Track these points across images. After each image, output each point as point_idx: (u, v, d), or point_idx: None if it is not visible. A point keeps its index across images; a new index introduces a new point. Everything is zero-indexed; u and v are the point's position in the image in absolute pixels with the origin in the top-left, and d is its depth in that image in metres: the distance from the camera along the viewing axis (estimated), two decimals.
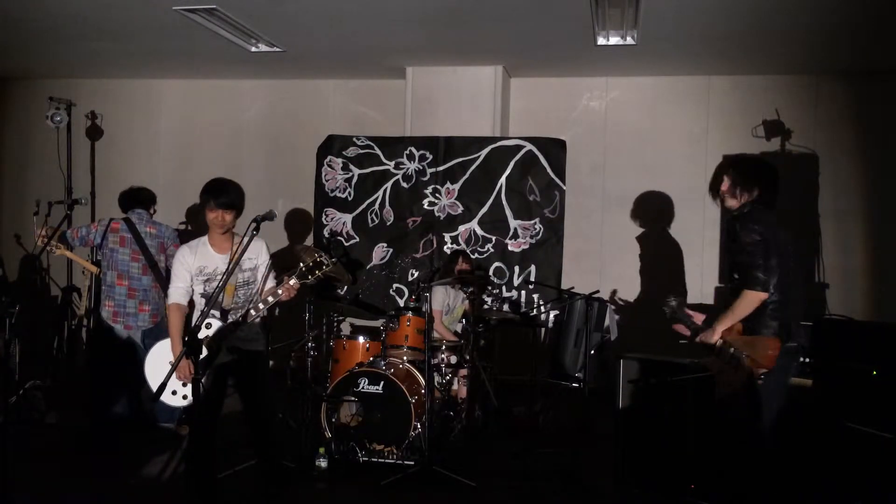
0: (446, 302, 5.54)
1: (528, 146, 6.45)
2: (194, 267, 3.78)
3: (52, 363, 6.43)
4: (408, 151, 6.64)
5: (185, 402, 3.76)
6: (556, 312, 6.13)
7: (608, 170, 7.11)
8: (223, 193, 3.76)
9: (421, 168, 6.60)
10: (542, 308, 6.30)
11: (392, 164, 6.66)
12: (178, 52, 6.66)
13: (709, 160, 6.74)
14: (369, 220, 6.68)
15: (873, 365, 3.75)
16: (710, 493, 3.85)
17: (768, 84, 6.77)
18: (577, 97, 7.18)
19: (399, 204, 6.63)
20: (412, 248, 6.61)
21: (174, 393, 3.74)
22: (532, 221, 6.42)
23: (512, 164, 6.45)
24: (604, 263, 7.10)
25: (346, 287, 6.20)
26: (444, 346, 5.12)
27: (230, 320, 3.73)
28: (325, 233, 6.72)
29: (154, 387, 3.74)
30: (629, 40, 5.75)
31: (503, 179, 6.47)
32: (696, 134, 6.94)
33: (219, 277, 3.70)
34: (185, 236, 5.83)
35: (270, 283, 3.83)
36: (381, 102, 7.48)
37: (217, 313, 3.71)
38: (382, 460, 4.59)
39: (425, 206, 6.59)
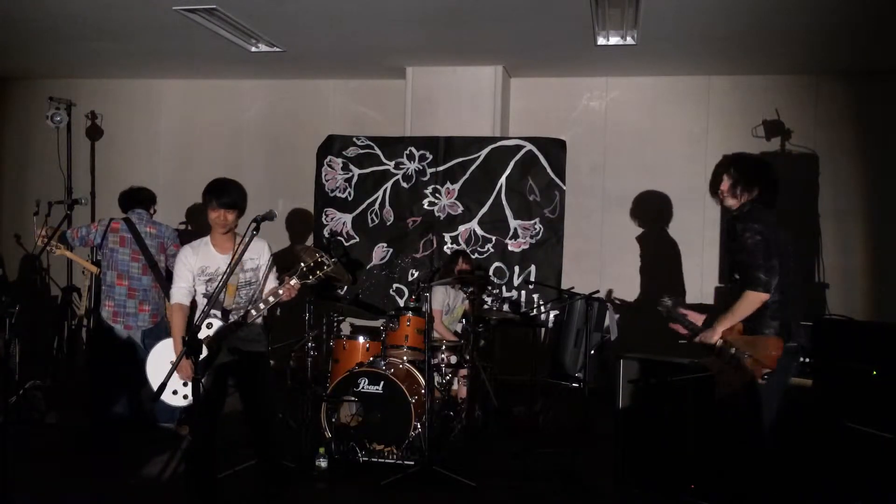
0: (446, 302, 5.54)
1: (528, 146, 6.45)
2: (196, 267, 3.79)
3: (52, 363, 6.43)
4: (408, 151, 6.64)
5: (185, 402, 3.76)
6: (556, 312, 6.13)
7: (608, 170, 7.11)
8: (225, 193, 3.77)
9: (421, 168, 6.60)
10: (542, 308, 6.30)
11: (392, 164, 6.66)
12: (178, 52, 6.66)
13: (709, 160, 6.72)
14: (369, 220, 6.68)
15: (873, 365, 3.74)
16: (710, 493, 3.85)
17: (768, 84, 6.77)
18: (577, 97, 7.18)
19: (399, 204, 6.63)
20: (412, 248, 6.61)
21: (175, 393, 3.74)
22: (532, 221, 6.42)
23: (512, 164, 6.45)
24: (604, 263, 7.10)
25: (346, 287, 6.20)
26: (444, 346, 5.12)
27: (231, 320, 3.73)
28: (325, 233, 6.72)
29: (156, 386, 3.75)
30: (629, 40, 5.75)
31: (503, 179, 6.47)
32: (696, 134, 6.94)
33: (221, 278, 3.70)
34: (185, 236, 5.83)
35: (272, 283, 3.84)
36: (381, 102, 7.48)
37: (218, 313, 3.71)
38: (382, 460, 4.59)
39: (425, 206, 6.59)
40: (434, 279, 5.71)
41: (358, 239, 6.68)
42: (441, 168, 6.57)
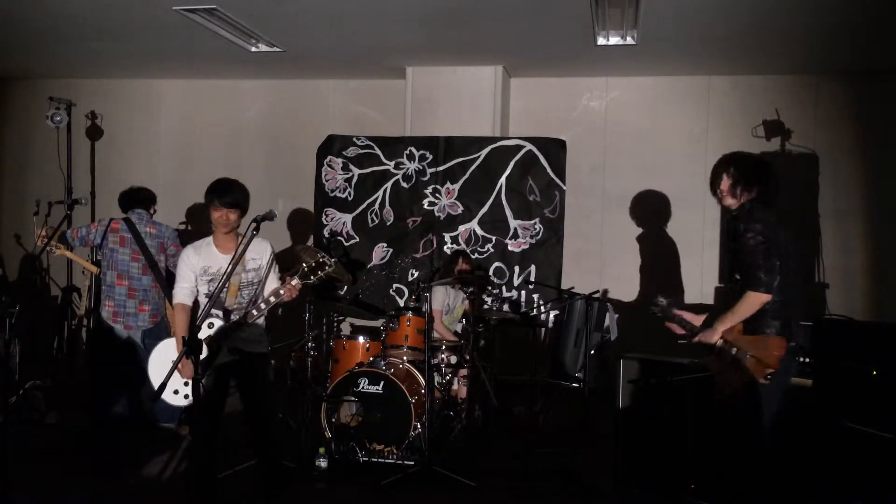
0: (446, 302, 5.54)
1: (528, 146, 6.44)
2: (198, 267, 3.79)
3: (52, 363, 6.44)
4: (408, 151, 6.64)
5: (186, 402, 3.77)
6: (556, 312, 6.13)
7: (608, 170, 7.11)
8: (228, 193, 3.78)
9: (421, 168, 6.60)
10: (542, 308, 6.30)
11: (392, 164, 6.66)
12: (178, 52, 6.66)
13: (709, 160, 6.62)
14: (369, 220, 6.68)
15: (873, 365, 3.74)
16: (710, 493, 3.85)
17: (768, 84, 6.77)
18: (577, 97, 7.18)
19: (399, 204, 6.63)
20: (412, 248, 6.61)
21: (176, 392, 3.75)
22: (532, 221, 6.42)
23: (512, 164, 6.45)
24: (604, 263, 7.10)
25: (346, 287, 6.20)
26: (444, 346, 5.12)
27: (233, 320, 3.73)
28: (325, 233, 6.72)
29: (157, 386, 3.75)
30: (629, 40, 5.75)
31: (503, 179, 6.47)
32: (696, 134, 6.95)
33: (221, 277, 3.70)
34: (185, 236, 5.83)
35: (274, 283, 3.84)
36: (381, 102, 7.48)
37: (220, 313, 3.71)
38: (382, 460, 4.59)
39: (425, 206, 6.59)
40: (434, 279, 5.71)
41: (358, 239, 6.68)
42: (441, 168, 6.57)
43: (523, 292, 6.41)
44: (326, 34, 5.98)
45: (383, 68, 7.02)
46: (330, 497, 4.27)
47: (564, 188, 6.38)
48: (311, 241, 6.99)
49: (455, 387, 5.28)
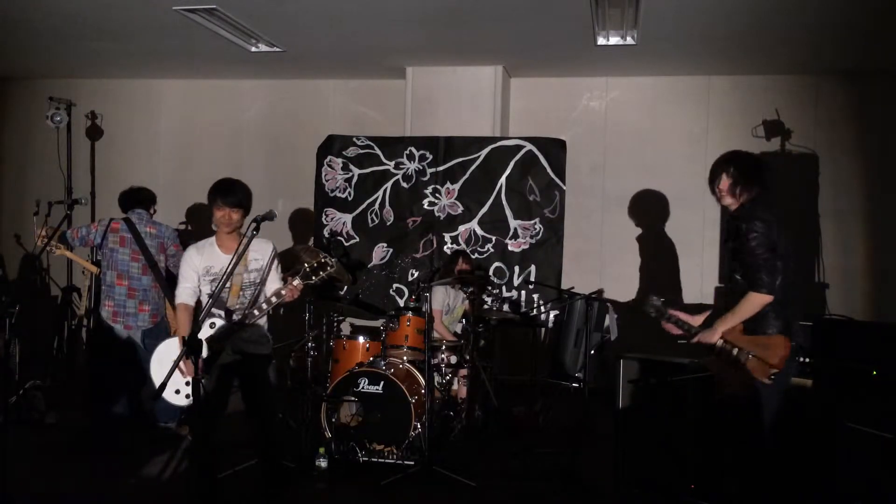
0: (446, 302, 5.54)
1: (528, 146, 6.44)
2: (201, 267, 3.80)
3: (52, 363, 6.44)
4: (408, 151, 6.64)
5: (188, 401, 3.76)
6: (556, 312, 6.13)
7: (608, 170, 7.11)
8: (231, 192, 3.80)
9: (421, 168, 6.60)
10: (542, 308, 6.30)
11: (392, 164, 6.66)
12: (178, 52, 6.66)
13: (709, 160, 6.59)
14: (369, 220, 6.68)
15: (873, 365, 3.75)
16: (710, 493, 3.85)
17: (768, 84, 6.77)
18: (577, 97, 7.18)
19: (399, 204, 6.63)
20: (412, 248, 6.61)
21: (177, 392, 3.74)
22: (532, 221, 6.42)
23: (512, 164, 6.45)
24: (604, 263, 7.10)
25: (346, 287, 6.21)
26: (444, 346, 5.12)
27: (235, 320, 3.73)
28: (325, 233, 6.72)
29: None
30: (629, 40, 5.75)
31: (503, 179, 6.47)
32: (696, 134, 6.94)
33: (221, 277, 3.71)
34: (185, 236, 5.83)
35: (276, 283, 3.84)
36: (381, 102, 7.48)
37: (222, 313, 3.72)
38: (382, 460, 4.59)
39: (425, 206, 6.59)
40: (434, 279, 5.71)
41: (358, 239, 6.68)
42: (441, 168, 6.57)
43: (523, 292, 6.41)
44: (326, 34, 5.98)
45: (383, 68, 7.02)
46: (330, 497, 4.26)
47: (564, 188, 6.38)
48: (311, 242, 6.99)
49: (455, 387, 5.28)
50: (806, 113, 6.71)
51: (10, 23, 5.86)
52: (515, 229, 6.45)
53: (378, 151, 6.68)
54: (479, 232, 6.50)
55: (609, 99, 7.14)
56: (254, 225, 3.48)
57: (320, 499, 4.25)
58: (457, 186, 6.54)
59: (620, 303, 6.85)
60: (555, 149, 6.42)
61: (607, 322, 5.19)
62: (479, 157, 6.51)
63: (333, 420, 4.69)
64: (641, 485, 4.15)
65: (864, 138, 6.64)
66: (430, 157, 6.58)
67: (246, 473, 4.14)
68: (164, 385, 3.21)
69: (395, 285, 6.60)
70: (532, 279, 6.34)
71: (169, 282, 5.16)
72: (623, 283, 6.95)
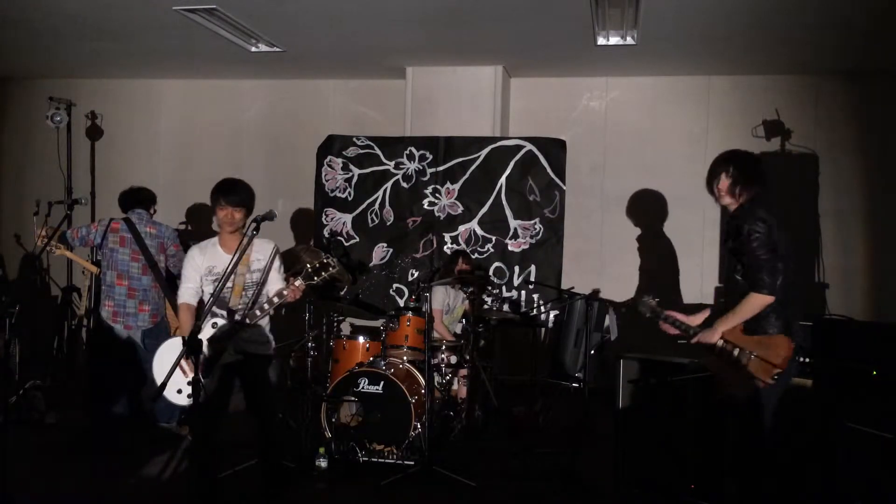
0: (446, 302, 5.54)
1: (528, 146, 6.45)
2: (203, 267, 3.80)
3: (52, 363, 6.43)
4: (408, 151, 6.64)
5: (190, 401, 3.76)
6: (556, 312, 6.13)
7: (608, 170, 7.11)
8: (233, 192, 3.80)
9: (421, 168, 6.60)
10: (542, 308, 6.30)
11: (392, 164, 6.66)
12: (178, 52, 6.66)
13: (709, 160, 6.55)
14: (369, 220, 6.68)
15: (873, 365, 3.74)
16: (710, 493, 3.85)
17: (768, 84, 6.77)
18: (577, 97, 7.18)
19: (399, 204, 6.63)
20: (412, 248, 6.61)
21: (179, 392, 3.72)
22: (532, 221, 6.42)
23: (512, 164, 6.45)
24: (604, 263, 7.10)
25: (346, 287, 6.21)
26: (444, 346, 5.12)
27: (237, 320, 3.73)
28: (325, 233, 6.72)
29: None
30: (629, 40, 5.75)
31: (503, 179, 6.47)
32: (696, 134, 6.94)
33: (222, 277, 3.71)
34: (185, 236, 5.83)
35: (278, 283, 3.84)
36: (381, 102, 7.48)
37: (224, 313, 3.72)
38: (382, 460, 4.59)
39: (425, 206, 6.59)
40: (434, 279, 5.71)
41: (358, 239, 6.68)
42: (441, 168, 6.57)
43: (523, 292, 6.41)
44: (326, 34, 5.98)
45: (383, 68, 7.02)
46: (330, 497, 4.26)
47: (564, 188, 6.38)
48: (311, 242, 6.99)
49: (455, 387, 5.28)
50: (806, 113, 6.71)
51: (10, 23, 5.86)
52: (515, 229, 6.45)
53: (378, 151, 6.69)
54: (479, 232, 6.50)
55: (609, 99, 7.14)
56: (254, 225, 3.49)
57: (320, 499, 4.25)
58: (457, 186, 6.54)
59: (620, 303, 6.86)
60: (555, 149, 6.42)
61: (607, 322, 5.20)
62: (479, 157, 6.51)
63: (333, 420, 4.69)
64: (641, 485, 4.15)
65: (864, 138, 6.64)
66: (430, 157, 6.58)
67: (246, 473, 4.14)
68: (164, 385, 3.21)
69: (395, 285, 6.61)
70: (532, 279, 6.34)
71: (169, 282, 5.16)
72: (623, 283, 6.95)
